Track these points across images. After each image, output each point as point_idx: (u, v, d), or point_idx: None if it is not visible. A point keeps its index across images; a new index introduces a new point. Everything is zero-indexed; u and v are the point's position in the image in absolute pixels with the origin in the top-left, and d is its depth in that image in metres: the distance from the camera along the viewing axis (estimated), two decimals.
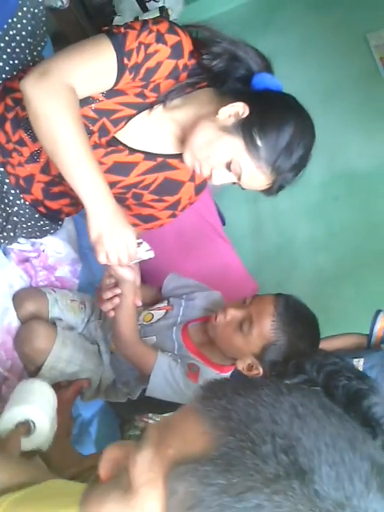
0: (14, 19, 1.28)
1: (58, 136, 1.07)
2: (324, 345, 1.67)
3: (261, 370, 1.37)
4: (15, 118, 1.26)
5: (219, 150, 1.16)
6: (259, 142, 1.12)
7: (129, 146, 1.26)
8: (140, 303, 1.38)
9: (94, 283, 1.72)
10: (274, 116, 1.14)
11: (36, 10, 1.32)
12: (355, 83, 2.80)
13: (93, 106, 1.19)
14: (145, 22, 1.15)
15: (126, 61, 1.12)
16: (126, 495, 0.46)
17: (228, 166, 1.17)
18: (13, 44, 1.31)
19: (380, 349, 1.59)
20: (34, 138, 1.22)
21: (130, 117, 1.22)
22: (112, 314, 1.36)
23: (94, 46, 1.11)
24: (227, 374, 1.49)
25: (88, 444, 1.62)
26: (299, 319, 1.35)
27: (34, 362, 1.44)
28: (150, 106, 1.22)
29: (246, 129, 1.13)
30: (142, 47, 1.12)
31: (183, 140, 1.22)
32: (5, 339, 1.44)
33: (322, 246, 2.68)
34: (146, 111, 1.22)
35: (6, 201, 1.34)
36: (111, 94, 1.18)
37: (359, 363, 1.55)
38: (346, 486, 0.41)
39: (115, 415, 1.79)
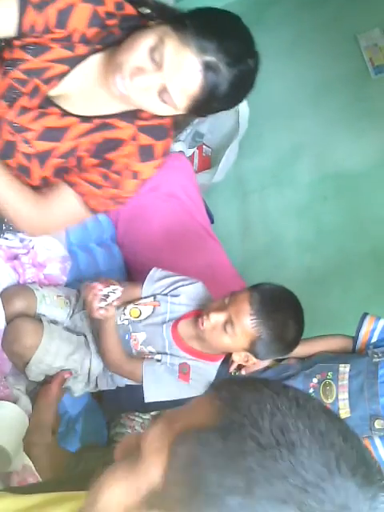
0: None
1: None
2: (307, 347, 1.68)
3: (255, 360, 1.48)
4: None
5: (143, 37, 1.03)
6: (188, 21, 1.01)
7: (63, 107, 1.20)
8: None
9: (80, 279, 1.73)
10: (203, 12, 1.07)
11: None
12: (345, 83, 2.81)
13: (21, 66, 1.14)
14: None
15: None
16: (134, 465, 0.49)
17: (151, 54, 1.02)
18: None
19: (366, 354, 1.59)
20: None
21: (63, 74, 1.17)
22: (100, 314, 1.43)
23: None
24: (218, 363, 1.57)
25: (74, 441, 1.62)
26: (277, 308, 1.42)
27: (23, 358, 1.46)
28: (82, 59, 1.16)
29: (174, 19, 1.04)
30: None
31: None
32: None
33: (309, 246, 2.68)
34: (80, 67, 1.16)
35: None
36: (36, 50, 1.12)
37: (346, 369, 1.55)
38: (332, 468, 0.45)
39: (102, 413, 1.79)
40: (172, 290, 1.60)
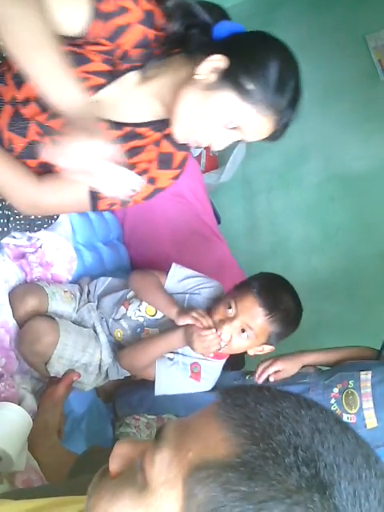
0: None
1: (25, 35, 0.91)
2: (332, 355, 1.65)
3: (272, 347, 1.52)
4: None
5: (213, 110, 1.07)
6: (250, 86, 1.05)
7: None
8: None
9: (84, 277, 1.76)
10: (253, 56, 1.07)
11: None
12: (353, 84, 2.80)
13: None
14: None
15: (97, 4, 1.03)
16: (142, 493, 0.47)
17: (227, 125, 1.09)
18: None
19: None
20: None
21: (99, 87, 1.16)
22: None
23: None
24: (225, 358, 1.60)
25: (79, 440, 1.62)
26: (280, 297, 1.46)
27: (44, 357, 1.47)
28: (120, 75, 1.16)
29: (232, 78, 1.05)
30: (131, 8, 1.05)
31: (163, 113, 1.17)
32: (1, 337, 1.43)
33: (316, 247, 2.68)
34: (117, 82, 1.16)
35: None
36: (76, 60, 1.11)
37: (368, 376, 1.51)
38: (362, 502, 0.42)
39: (107, 412, 1.79)
40: (193, 287, 1.62)
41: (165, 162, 1.26)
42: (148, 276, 1.62)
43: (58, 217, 1.52)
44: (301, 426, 0.45)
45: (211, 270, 1.76)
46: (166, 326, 1.56)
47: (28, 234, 1.54)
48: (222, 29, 1.11)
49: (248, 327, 1.43)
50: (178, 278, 1.63)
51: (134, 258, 2.01)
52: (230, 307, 1.45)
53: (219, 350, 1.47)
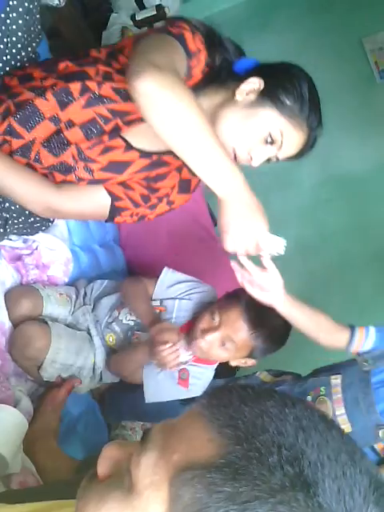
0: (3, 15, 1.26)
1: (188, 123, 1.00)
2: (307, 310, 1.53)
3: (254, 361, 1.50)
4: (6, 111, 1.23)
5: (256, 126, 1.16)
6: (288, 102, 1.15)
7: (127, 140, 1.25)
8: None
9: (80, 278, 1.76)
10: (284, 77, 1.18)
11: (30, 6, 1.31)
12: (350, 87, 2.81)
13: (108, 106, 1.19)
14: (186, 20, 1.17)
15: (190, 62, 1.14)
16: (129, 496, 0.46)
17: (266, 140, 1.17)
18: (5, 39, 1.29)
19: (355, 361, 1.52)
20: (29, 129, 1.20)
21: (143, 118, 1.19)
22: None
23: (171, 46, 1.11)
24: (216, 364, 1.59)
25: (75, 442, 1.62)
26: (266, 313, 1.40)
27: (36, 361, 1.47)
28: None
29: (271, 96, 1.16)
30: (200, 53, 1.15)
31: None
32: None
33: (312, 249, 2.68)
34: None
35: None
36: (127, 95, 1.16)
37: (338, 381, 1.51)
38: (346, 499, 0.42)
39: (102, 414, 1.79)
40: (185, 294, 1.61)
41: (184, 187, 1.37)
42: (135, 284, 1.63)
43: (54, 220, 1.52)
44: (285, 424, 0.45)
45: (208, 272, 1.76)
46: None
47: (24, 236, 1.54)
48: (243, 64, 1.23)
49: (230, 340, 1.42)
50: (169, 283, 1.63)
51: (130, 259, 2.01)
52: (214, 317, 1.44)
53: (184, 363, 1.46)
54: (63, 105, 1.19)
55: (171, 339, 1.44)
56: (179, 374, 1.54)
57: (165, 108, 0.98)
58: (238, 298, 1.45)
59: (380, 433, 1.42)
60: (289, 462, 0.42)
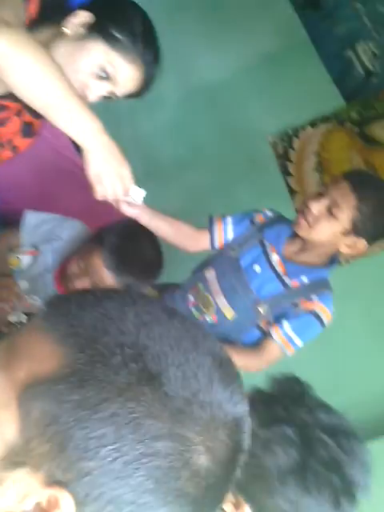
0: None
1: (45, 81, 1.01)
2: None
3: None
4: None
5: (85, 59, 1.14)
6: (120, 36, 1.13)
7: None
8: None
9: None
10: (116, 11, 1.17)
11: None
12: None
13: None
14: None
15: (26, 5, 1.09)
16: None
17: (98, 74, 1.15)
18: None
19: (222, 251, 1.58)
20: None
21: None
22: None
23: None
24: None
25: None
26: (133, 256, 1.42)
27: None
28: None
29: (100, 29, 1.13)
30: None
31: None
32: None
33: (187, 164, 2.68)
34: None
35: None
36: None
37: (212, 274, 1.57)
38: (192, 383, 0.44)
39: None
40: (53, 234, 1.54)
41: (27, 131, 1.34)
42: None
43: None
44: (125, 323, 0.45)
45: (84, 206, 1.69)
46: (34, 278, 1.52)
47: None
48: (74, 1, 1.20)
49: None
50: (35, 224, 1.57)
51: (0, 207, 1.88)
52: (79, 264, 1.42)
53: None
54: None
55: (4, 297, 1.40)
56: None
57: (21, 69, 0.99)
58: (102, 239, 1.43)
59: (260, 309, 1.52)
60: (132, 359, 0.43)
